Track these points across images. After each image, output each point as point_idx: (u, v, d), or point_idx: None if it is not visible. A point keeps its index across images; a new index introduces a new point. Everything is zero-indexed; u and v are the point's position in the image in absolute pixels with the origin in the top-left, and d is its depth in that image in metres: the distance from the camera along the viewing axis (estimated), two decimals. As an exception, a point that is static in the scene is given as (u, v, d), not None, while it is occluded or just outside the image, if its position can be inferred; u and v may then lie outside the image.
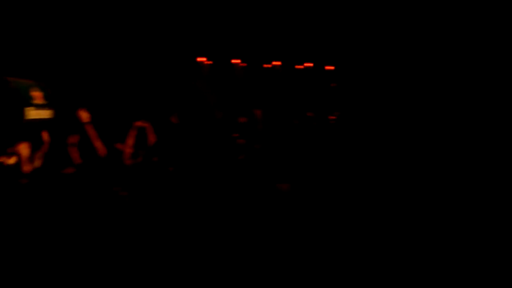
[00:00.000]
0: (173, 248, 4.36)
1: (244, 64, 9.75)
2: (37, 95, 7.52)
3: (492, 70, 8.88)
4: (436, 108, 9.41)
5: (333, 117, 10.67)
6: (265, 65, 9.85)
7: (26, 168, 4.43)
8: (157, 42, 9.31)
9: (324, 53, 10.30)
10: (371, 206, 5.86)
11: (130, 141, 4.36)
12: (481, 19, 8.65)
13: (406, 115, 9.73)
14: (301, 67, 10.17)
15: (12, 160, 4.43)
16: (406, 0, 8.83)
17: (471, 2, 8.54)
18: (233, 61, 9.66)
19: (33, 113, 7.38)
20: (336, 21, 9.33)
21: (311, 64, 10.32)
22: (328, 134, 9.45)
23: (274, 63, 9.93)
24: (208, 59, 9.46)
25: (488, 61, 8.93)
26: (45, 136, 5.02)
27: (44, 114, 7.65)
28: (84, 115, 4.26)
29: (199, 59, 9.40)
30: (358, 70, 10.48)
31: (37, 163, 5.45)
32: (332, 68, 10.41)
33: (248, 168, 7.23)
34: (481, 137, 8.30)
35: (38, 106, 7.52)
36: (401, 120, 9.69)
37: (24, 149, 4.38)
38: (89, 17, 8.40)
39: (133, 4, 8.51)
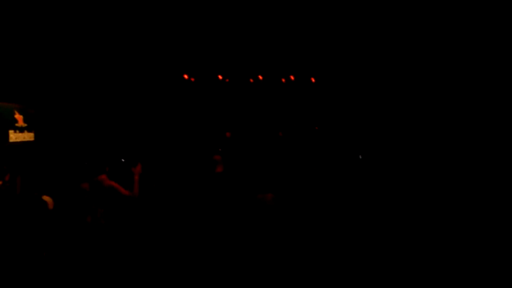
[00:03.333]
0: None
1: (227, 80, 9.79)
2: (19, 118, 7.39)
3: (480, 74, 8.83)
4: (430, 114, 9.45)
5: (316, 129, 10.80)
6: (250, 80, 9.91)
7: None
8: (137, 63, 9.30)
9: (306, 65, 10.44)
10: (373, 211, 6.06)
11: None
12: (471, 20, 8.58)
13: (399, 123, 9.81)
14: (284, 80, 10.27)
15: None
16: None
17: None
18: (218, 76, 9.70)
19: (15, 136, 7.26)
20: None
21: (292, 77, 10.44)
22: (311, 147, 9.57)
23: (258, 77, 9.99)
24: (190, 76, 9.45)
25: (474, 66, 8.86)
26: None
27: (26, 137, 7.53)
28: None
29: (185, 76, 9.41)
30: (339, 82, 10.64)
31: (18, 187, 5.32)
32: (313, 80, 10.54)
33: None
34: (481, 139, 8.29)
35: (20, 129, 7.40)
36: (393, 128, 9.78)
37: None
38: (71, 42, 8.40)
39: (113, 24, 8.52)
